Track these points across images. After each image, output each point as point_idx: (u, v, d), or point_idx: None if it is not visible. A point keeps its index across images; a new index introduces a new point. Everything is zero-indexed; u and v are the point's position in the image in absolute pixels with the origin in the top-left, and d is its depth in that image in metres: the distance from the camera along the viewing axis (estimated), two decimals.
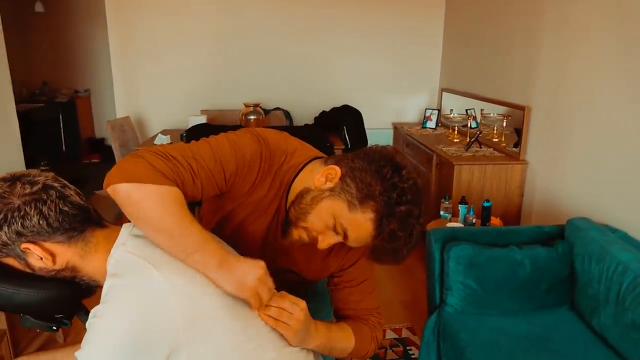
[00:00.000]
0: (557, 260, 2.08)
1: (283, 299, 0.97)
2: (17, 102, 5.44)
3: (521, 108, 3.15)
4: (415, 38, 4.80)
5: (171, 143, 3.56)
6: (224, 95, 4.71)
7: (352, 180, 0.98)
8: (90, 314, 0.84)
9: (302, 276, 1.22)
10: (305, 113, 4.69)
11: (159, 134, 3.81)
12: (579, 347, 1.87)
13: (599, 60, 2.47)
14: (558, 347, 1.87)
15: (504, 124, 3.43)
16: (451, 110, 4.25)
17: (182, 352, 0.85)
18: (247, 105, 3.95)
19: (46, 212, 0.88)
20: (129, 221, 0.94)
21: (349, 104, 4.53)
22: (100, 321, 0.82)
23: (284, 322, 0.95)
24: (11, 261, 0.91)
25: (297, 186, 1.06)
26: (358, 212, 0.97)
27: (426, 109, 4.68)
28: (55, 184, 0.91)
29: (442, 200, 2.95)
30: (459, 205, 2.81)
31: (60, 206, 0.89)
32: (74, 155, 6.11)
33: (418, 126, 4.61)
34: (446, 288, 2.07)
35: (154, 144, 3.48)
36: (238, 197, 1.08)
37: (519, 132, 3.21)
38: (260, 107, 4.01)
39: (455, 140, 3.79)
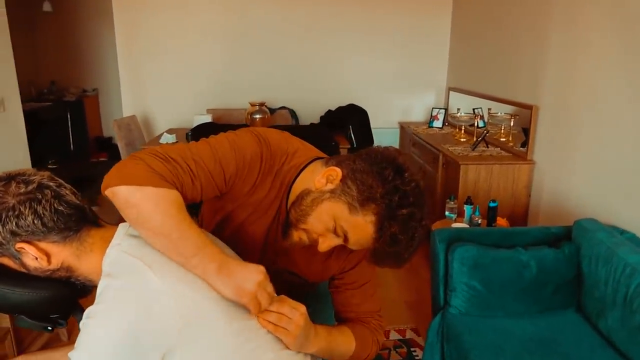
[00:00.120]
0: (564, 261, 2.05)
1: (282, 303, 0.95)
2: (25, 101, 5.50)
3: (529, 107, 3.12)
4: (422, 37, 4.77)
5: (177, 142, 3.56)
6: (230, 95, 4.71)
7: (353, 182, 0.96)
8: (84, 314, 0.83)
9: (303, 278, 1.21)
10: (311, 112, 4.68)
11: (165, 133, 3.82)
12: (585, 350, 1.85)
13: (607, 60, 2.43)
14: (564, 349, 1.85)
15: (512, 124, 3.40)
16: (458, 109, 4.22)
17: (176, 353, 0.84)
18: (252, 105, 3.95)
19: (41, 212, 0.87)
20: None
21: (355, 103, 4.51)
22: (94, 322, 0.82)
23: (283, 327, 0.94)
24: (6, 261, 0.91)
25: (298, 187, 1.05)
26: (359, 214, 0.95)
27: (433, 108, 4.64)
28: (51, 183, 0.91)
29: (448, 200, 2.92)
30: (465, 206, 2.78)
31: (56, 206, 0.88)
32: (81, 154, 6.15)
33: (425, 125, 4.58)
34: (450, 289, 2.05)
35: (159, 143, 3.49)
36: (238, 197, 1.06)
37: (526, 131, 3.17)
38: (265, 106, 4.01)
39: (462, 139, 3.76)
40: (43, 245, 0.89)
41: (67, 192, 0.92)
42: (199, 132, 3.23)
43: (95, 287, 0.90)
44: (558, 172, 2.87)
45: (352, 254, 1.16)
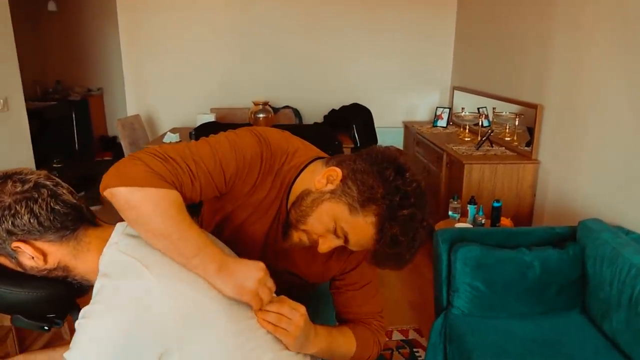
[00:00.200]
0: (568, 262, 2.03)
1: (282, 304, 0.94)
2: (30, 101, 5.54)
3: (533, 106, 3.09)
4: (426, 36, 4.75)
5: (180, 141, 3.56)
6: (233, 94, 4.71)
7: (353, 182, 0.95)
8: (80, 314, 0.83)
9: (303, 279, 1.20)
10: (314, 111, 4.67)
11: (168, 132, 3.82)
12: (590, 352, 1.83)
13: (612, 59, 2.41)
14: (568, 351, 1.83)
15: (516, 123, 3.37)
16: (462, 108, 4.19)
17: (174, 353, 0.83)
18: (256, 104, 3.94)
19: (37, 211, 0.86)
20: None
21: (359, 103, 4.50)
22: (89, 322, 0.81)
23: (283, 328, 0.93)
24: (2, 260, 0.90)
25: (298, 187, 1.04)
26: (359, 215, 0.94)
27: (437, 107, 4.62)
28: (48, 182, 0.90)
29: (451, 200, 2.90)
30: (468, 206, 2.76)
31: (52, 205, 0.88)
32: (86, 153, 6.18)
33: (429, 125, 4.56)
34: (453, 290, 2.03)
35: (163, 142, 3.49)
36: (238, 198, 1.05)
37: (531, 131, 3.15)
38: (269, 105, 4.00)
39: (467, 139, 3.74)
40: (39, 244, 0.88)
41: (64, 191, 0.92)
42: (202, 131, 3.23)
43: (92, 286, 0.90)
44: (563, 171, 2.85)
45: (353, 255, 1.15)
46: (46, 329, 0.95)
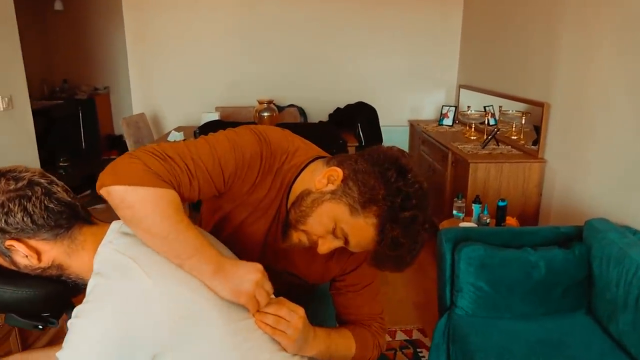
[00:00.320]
0: (574, 262, 2.00)
1: (281, 306, 0.93)
2: (37, 100, 5.57)
3: (540, 105, 3.06)
4: (432, 34, 4.71)
5: (184, 140, 3.56)
6: (238, 92, 4.70)
7: (354, 183, 0.93)
8: (73, 313, 0.82)
9: (303, 279, 1.19)
10: (319, 110, 4.65)
11: (173, 131, 3.83)
12: (596, 354, 1.80)
13: (621, 57, 2.37)
14: (573, 353, 1.80)
15: (523, 121, 3.34)
16: (468, 107, 4.16)
17: (168, 354, 0.82)
18: (260, 102, 3.93)
19: (30, 209, 0.86)
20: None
21: (365, 101, 4.48)
22: (82, 321, 0.80)
23: (281, 330, 0.92)
24: None
25: (298, 187, 1.02)
26: (360, 216, 0.92)
27: (443, 105, 4.59)
28: (42, 180, 0.89)
29: (455, 199, 2.88)
30: (473, 205, 2.74)
31: (46, 203, 0.87)
32: (93, 152, 6.20)
33: (435, 123, 4.53)
34: (456, 290, 2.01)
35: (167, 141, 3.49)
36: (237, 197, 1.04)
37: (538, 129, 3.11)
38: (274, 103, 3.99)
39: (472, 137, 3.71)
40: (33, 243, 0.88)
41: (59, 189, 0.91)
42: (206, 130, 3.22)
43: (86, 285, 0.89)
44: (570, 170, 2.81)
45: (354, 256, 1.13)
46: (40, 328, 0.95)
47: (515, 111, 3.46)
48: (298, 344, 0.95)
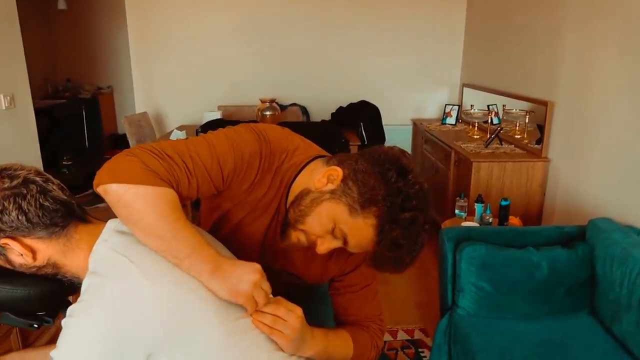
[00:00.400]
0: (577, 262, 1.98)
1: (278, 305, 0.92)
2: (41, 99, 5.58)
3: (544, 103, 3.04)
4: (436, 33, 4.69)
5: (187, 139, 3.55)
6: (241, 91, 4.70)
7: (354, 182, 0.92)
8: (67, 312, 0.82)
9: (302, 279, 1.18)
10: (322, 109, 4.64)
11: (175, 130, 3.83)
12: (599, 355, 1.78)
13: (625, 56, 2.35)
14: (576, 354, 1.79)
15: (527, 120, 3.32)
16: (472, 105, 4.13)
17: (163, 354, 0.82)
18: (263, 101, 3.93)
19: (25, 207, 0.85)
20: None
21: (367, 100, 4.46)
22: (76, 321, 0.80)
23: (278, 330, 0.91)
24: None
25: (297, 186, 1.01)
26: (359, 217, 0.91)
27: (446, 104, 4.57)
28: (37, 178, 0.89)
29: (457, 198, 2.86)
30: (475, 204, 2.72)
31: (41, 201, 0.87)
32: (96, 151, 6.20)
33: (438, 122, 4.51)
34: (458, 289, 2.00)
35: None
36: (236, 196, 1.03)
37: (541, 128, 3.09)
38: (276, 102, 3.99)
39: (475, 136, 3.69)
40: (28, 241, 0.87)
41: (54, 187, 0.90)
42: (208, 129, 3.19)
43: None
44: (574, 169, 2.79)
45: (353, 256, 1.12)
46: (35, 327, 0.94)
47: (519, 110, 3.44)
48: (295, 344, 0.94)
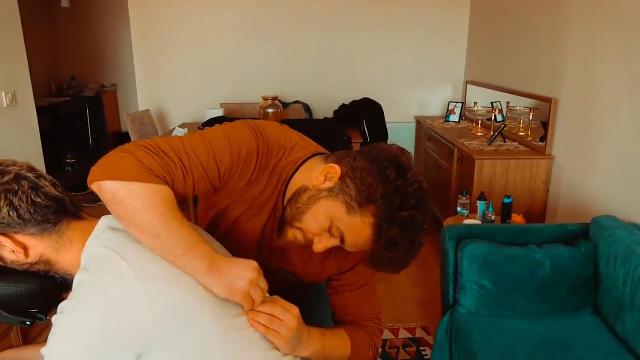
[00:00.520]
0: (580, 260, 1.96)
1: (275, 305, 0.91)
2: (45, 97, 5.59)
3: (548, 100, 3.01)
4: (439, 30, 4.66)
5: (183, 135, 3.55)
6: (243, 89, 4.69)
7: (352, 180, 0.91)
8: (58, 309, 0.81)
9: (299, 278, 1.17)
10: (325, 106, 4.63)
11: (177, 128, 3.83)
12: (601, 354, 1.76)
13: (629, 53, 2.32)
14: (578, 353, 1.77)
15: (531, 117, 3.29)
16: (475, 103, 4.11)
17: (154, 353, 0.81)
18: (265, 99, 3.92)
19: (17, 204, 0.84)
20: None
21: (370, 98, 4.44)
22: (66, 318, 0.79)
23: (275, 330, 0.90)
24: None
25: (295, 184, 1.00)
26: (357, 215, 0.90)
27: (450, 102, 4.54)
28: (29, 175, 0.88)
29: (460, 195, 2.84)
30: (478, 202, 2.70)
31: (33, 197, 0.86)
32: (100, 149, 6.22)
33: (441, 120, 4.48)
34: (460, 288, 1.98)
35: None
36: (233, 193, 1.02)
37: (546, 125, 3.06)
38: (279, 100, 3.97)
39: (479, 134, 3.67)
40: (20, 238, 0.86)
41: (47, 183, 0.89)
42: (210, 127, 3.21)
43: None
44: (578, 167, 2.77)
45: (351, 255, 1.11)
46: (28, 324, 0.94)
47: (523, 107, 3.41)
48: (292, 344, 0.93)
